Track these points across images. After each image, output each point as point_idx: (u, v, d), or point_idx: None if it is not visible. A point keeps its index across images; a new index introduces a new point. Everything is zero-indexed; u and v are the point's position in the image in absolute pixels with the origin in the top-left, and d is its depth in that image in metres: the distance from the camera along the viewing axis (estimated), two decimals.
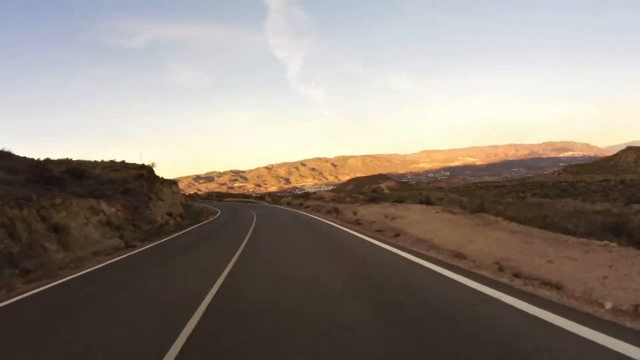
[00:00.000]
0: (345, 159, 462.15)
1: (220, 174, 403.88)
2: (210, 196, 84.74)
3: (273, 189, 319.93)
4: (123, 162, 24.78)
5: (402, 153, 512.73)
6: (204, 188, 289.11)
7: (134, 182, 18.33)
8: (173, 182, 59.68)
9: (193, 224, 18.42)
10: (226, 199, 67.75)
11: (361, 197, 28.02)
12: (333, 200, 25.74)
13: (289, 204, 33.73)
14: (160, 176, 24.36)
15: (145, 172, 20.16)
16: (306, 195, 40.68)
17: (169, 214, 19.05)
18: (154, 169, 23.49)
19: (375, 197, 21.41)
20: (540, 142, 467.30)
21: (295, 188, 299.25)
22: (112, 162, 24.76)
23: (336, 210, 16.72)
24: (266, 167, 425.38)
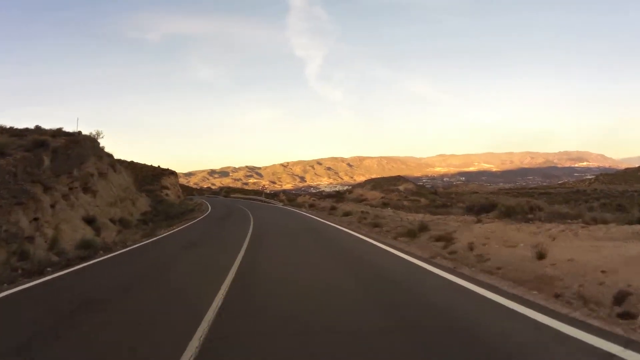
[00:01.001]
0: (361, 159, 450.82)
1: (235, 170, 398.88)
2: (221, 191, 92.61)
3: (288, 186, 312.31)
4: (58, 130, 15.80)
5: (417, 156, 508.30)
6: (218, 183, 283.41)
7: (18, 155, 9.10)
8: (171, 173, 51.07)
9: (100, 255, 8.25)
10: (233, 195, 65.74)
11: (422, 200, 18.12)
12: (384, 203, 16.12)
13: (312, 206, 22.20)
14: (110, 154, 15.16)
15: (61, 142, 10.92)
16: (339, 196, 30.62)
17: (89, 221, 9.75)
18: (98, 140, 14.38)
19: (496, 205, 10.05)
20: (556, 151, 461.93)
21: (310, 187, 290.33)
22: (38, 127, 15.81)
23: (439, 236, 6.99)
24: (282, 165, 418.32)
